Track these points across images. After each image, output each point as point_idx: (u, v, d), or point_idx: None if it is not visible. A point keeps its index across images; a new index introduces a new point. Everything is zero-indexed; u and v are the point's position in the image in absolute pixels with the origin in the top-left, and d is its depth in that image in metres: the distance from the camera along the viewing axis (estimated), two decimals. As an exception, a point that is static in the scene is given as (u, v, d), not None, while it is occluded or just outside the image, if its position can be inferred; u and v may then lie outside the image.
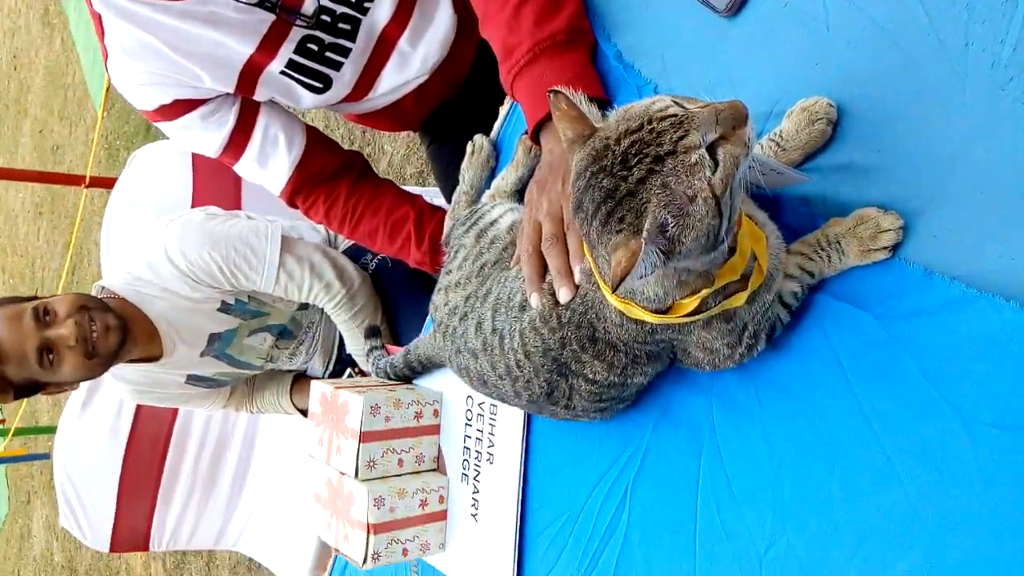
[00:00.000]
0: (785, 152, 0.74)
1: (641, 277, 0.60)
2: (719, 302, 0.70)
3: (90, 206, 5.64)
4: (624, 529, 0.92)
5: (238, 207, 1.89)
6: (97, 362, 1.49)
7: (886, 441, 0.67)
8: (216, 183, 1.90)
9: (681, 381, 0.88)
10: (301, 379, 1.97)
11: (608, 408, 0.90)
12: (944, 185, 0.65)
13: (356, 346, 1.78)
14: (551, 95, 0.68)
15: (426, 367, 1.18)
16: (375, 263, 1.78)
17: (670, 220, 0.58)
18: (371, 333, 1.39)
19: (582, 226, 0.65)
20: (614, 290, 0.61)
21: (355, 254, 1.78)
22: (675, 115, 0.59)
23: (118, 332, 1.50)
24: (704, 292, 0.67)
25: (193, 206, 1.81)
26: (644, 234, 0.58)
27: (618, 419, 0.94)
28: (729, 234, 0.62)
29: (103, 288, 1.60)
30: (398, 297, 1.76)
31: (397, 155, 3.11)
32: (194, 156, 1.93)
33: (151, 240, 1.59)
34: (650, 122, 0.59)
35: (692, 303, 0.68)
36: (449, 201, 1.29)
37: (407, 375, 1.23)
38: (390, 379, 1.25)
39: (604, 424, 0.95)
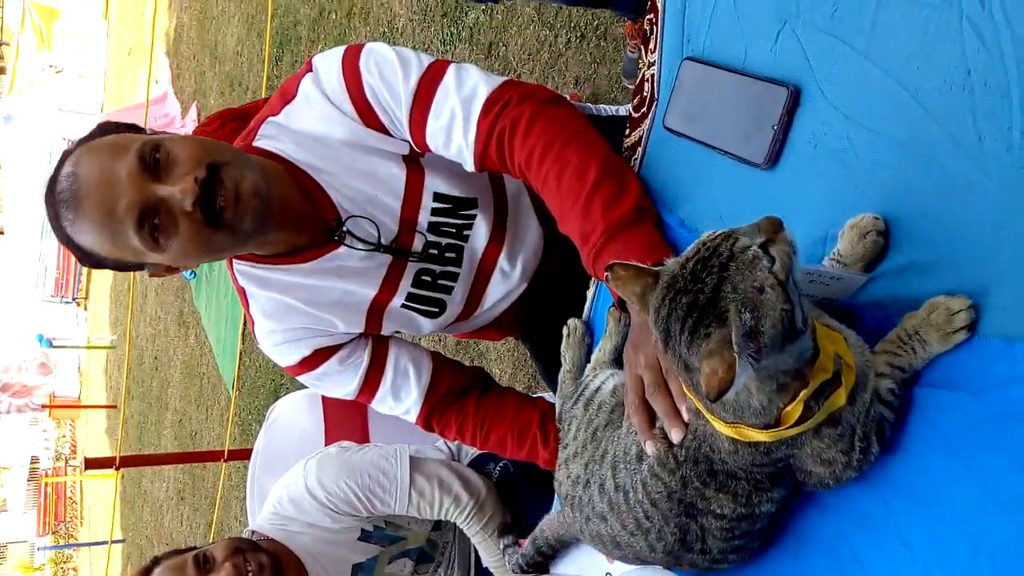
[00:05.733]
0: (846, 268, 0.82)
1: (736, 386, 0.66)
2: (821, 405, 0.74)
3: (228, 482, 5.95)
4: (788, 675, 0.89)
5: (367, 440, 2.02)
6: (254, 602, 1.56)
7: (1018, 512, 0.67)
8: (345, 421, 2.06)
9: (809, 508, 0.89)
10: (444, 603, 1.97)
11: (743, 547, 0.91)
12: (997, 259, 0.71)
13: (491, 558, 1.80)
14: (607, 271, 0.78)
15: (555, 549, 1.21)
16: (498, 470, 1.84)
17: (748, 316, 0.65)
18: (504, 531, 1.42)
19: (674, 351, 0.73)
20: (715, 399, 0.67)
21: (479, 464, 1.85)
22: (723, 233, 0.69)
23: (270, 569, 1.58)
24: (803, 393, 0.72)
25: (326, 444, 1.95)
26: (734, 342, 0.65)
27: (756, 565, 0.94)
28: (807, 326, 0.68)
29: (253, 532, 1.71)
30: (525, 502, 1.79)
31: (505, 375, 3.26)
32: (323, 399, 2.11)
33: (293, 479, 1.71)
34: (704, 245, 0.69)
35: (796, 409, 0.73)
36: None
37: (540, 561, 1.25)
38: (525, 571, 1.27)
39: (743, 572, 0.95)
